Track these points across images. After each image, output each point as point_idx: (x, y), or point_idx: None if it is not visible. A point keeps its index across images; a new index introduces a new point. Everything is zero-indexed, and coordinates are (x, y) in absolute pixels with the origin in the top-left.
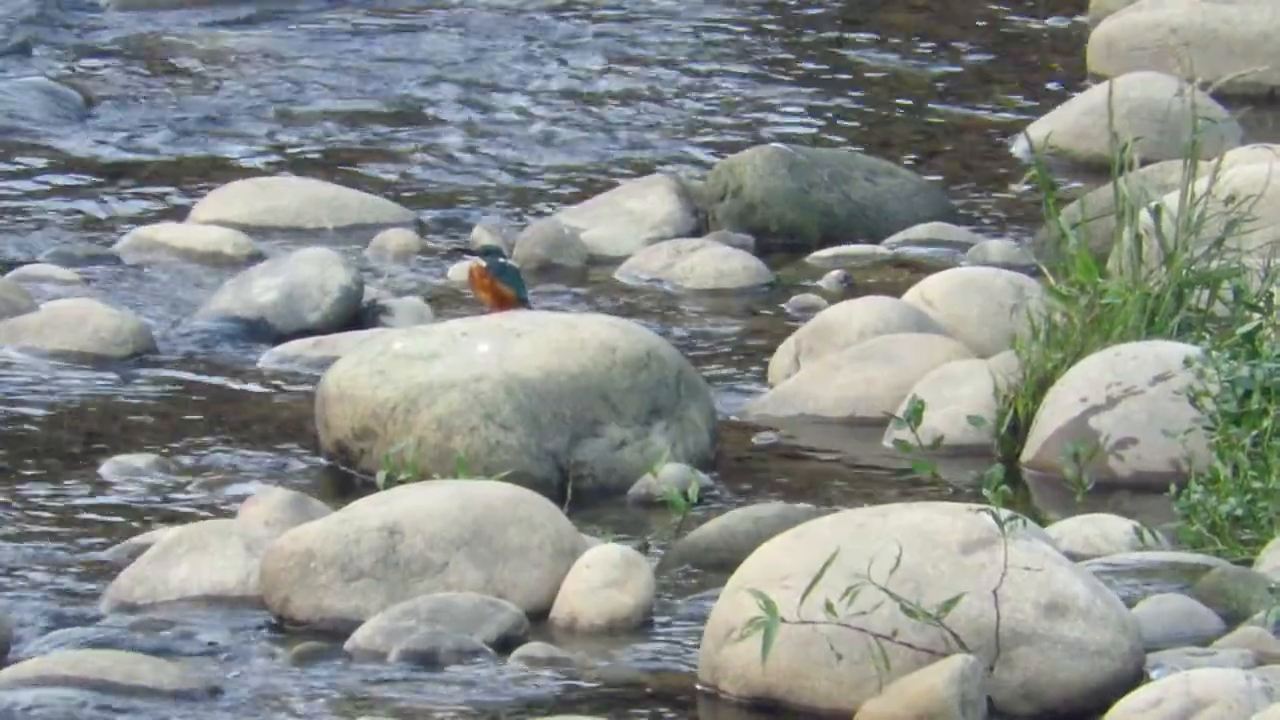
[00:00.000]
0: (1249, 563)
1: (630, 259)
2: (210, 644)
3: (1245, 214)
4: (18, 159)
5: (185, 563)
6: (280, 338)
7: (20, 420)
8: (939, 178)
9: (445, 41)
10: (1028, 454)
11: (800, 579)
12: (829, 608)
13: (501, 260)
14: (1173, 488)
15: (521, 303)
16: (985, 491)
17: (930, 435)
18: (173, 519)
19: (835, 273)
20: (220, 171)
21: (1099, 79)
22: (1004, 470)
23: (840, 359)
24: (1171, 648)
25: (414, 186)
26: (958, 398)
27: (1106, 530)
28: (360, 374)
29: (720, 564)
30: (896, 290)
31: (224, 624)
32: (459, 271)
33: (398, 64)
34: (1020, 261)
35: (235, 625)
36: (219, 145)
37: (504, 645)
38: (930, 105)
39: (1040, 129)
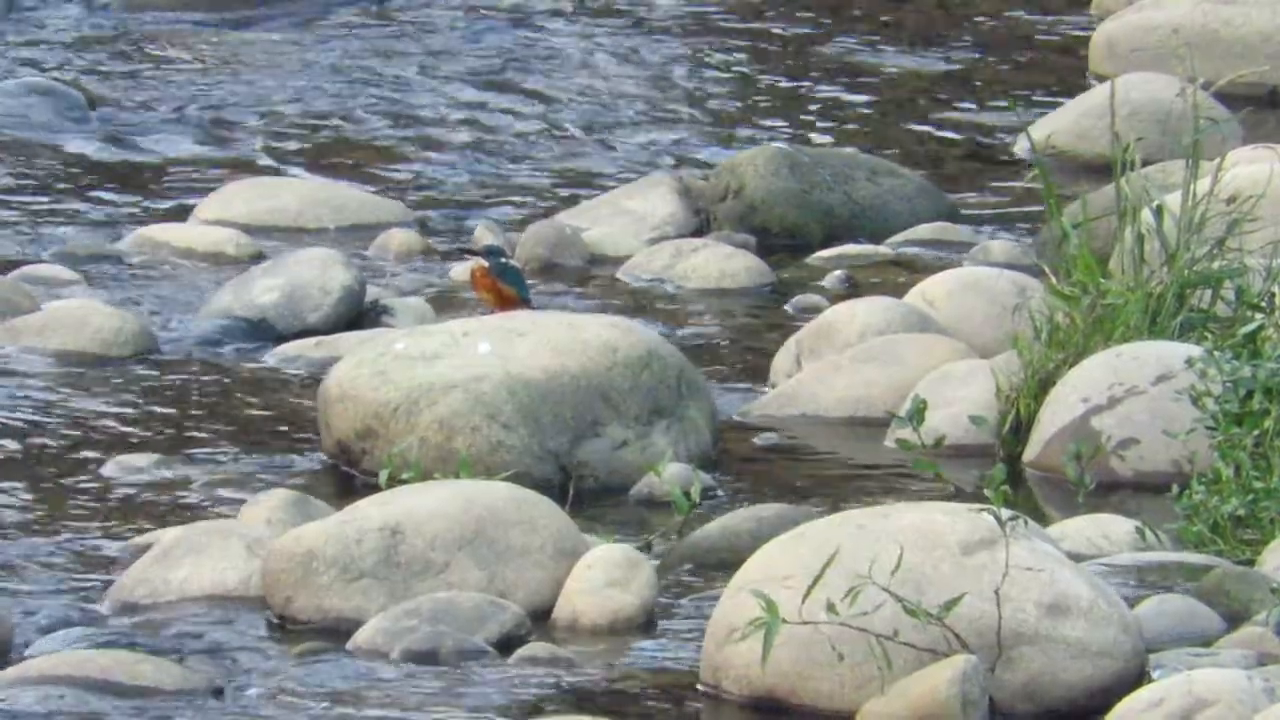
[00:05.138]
0: (1251, 563)
1: (632, 259)
2: (212, 644)
3: (1247, 214)
4: (20, 159)
5: (187, 563)
6: (282, 338)
7: (22, 420)
8: (941, 178)
9: (446, 41)
10: (1029, 454)
11: (801, 579)
12: (830, 608)
13: (503, 260)
14: (1175, 488)
15: (523, 303)
16: (987, 491)
17: (932, 435)
18: (174, 519)
19: (837, 273)
20: (222, 171)
21: (1100, 79)
22: (1006, 470)
23: (842, 359)
24: (1173, 648)
25: (416, 186)
26: (959, 398)
27: (1108, 530)
28: (362, 374)
29: (722, 564)
30: (898, 290)
31: (226, 624)
32: (461, 271)
33: (399, 64)
34: (1022, 262)
35: (237, 625)
36: (221, 145)
37: (506, 645)
38: (931, 105)
39: (1042, 129)
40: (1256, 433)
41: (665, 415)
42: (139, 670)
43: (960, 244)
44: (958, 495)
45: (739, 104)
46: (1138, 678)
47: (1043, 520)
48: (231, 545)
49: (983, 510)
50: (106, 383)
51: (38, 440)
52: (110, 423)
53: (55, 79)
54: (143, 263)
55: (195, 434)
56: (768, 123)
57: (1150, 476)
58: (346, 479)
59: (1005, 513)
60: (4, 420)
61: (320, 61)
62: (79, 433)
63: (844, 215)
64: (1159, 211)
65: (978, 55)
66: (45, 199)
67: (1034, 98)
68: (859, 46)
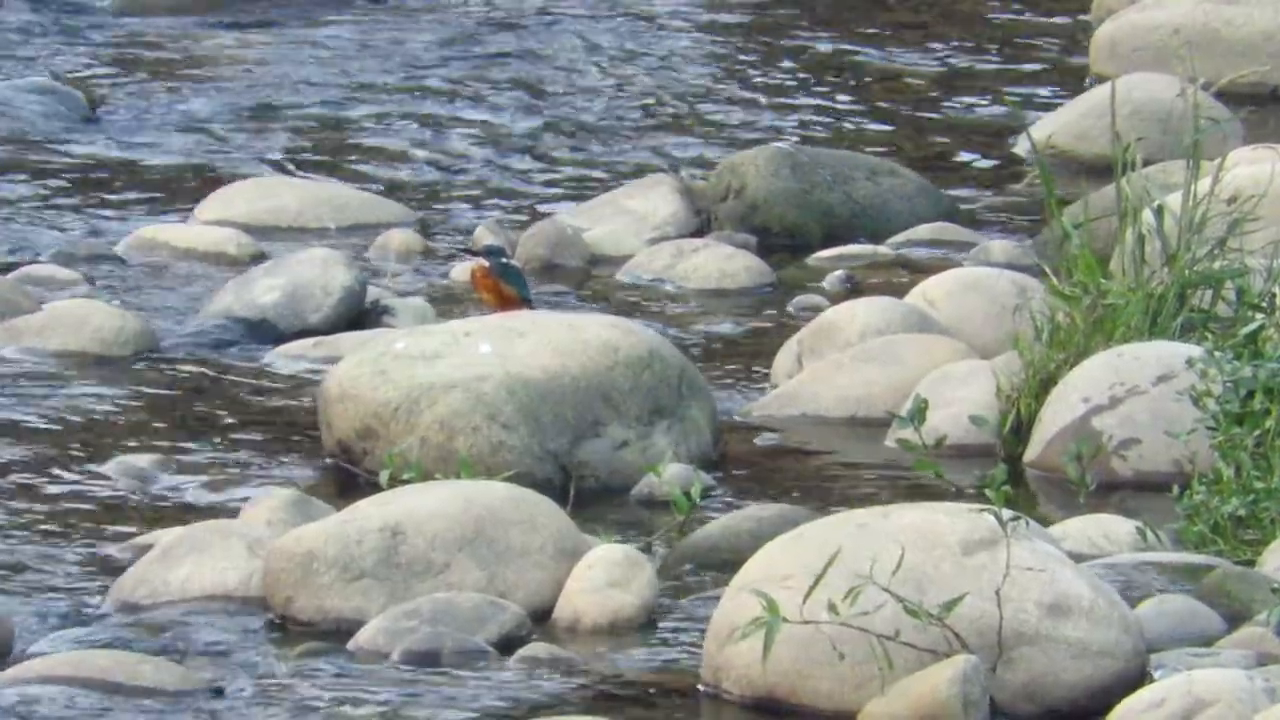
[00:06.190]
0: (1251, 563)
1: (632, 259)
2: (212, 644)
3: (1248, 214)
4: (21, 159)
5: (187, 563)
6: (282, 338)
7: (22, 420)
8: (941, 178)
9: (446, 42)
10: (1030, 454)
11: (802, 579)
12: (831, 608)
13: (504, 260)
14: (1175, 488)
15: (524, 303)
16: (988, 491)
17: (933, 435)
18: (175, 519)
19: (837, 273)
20: (222, 171)
21: (1101, 79)
22: (1007, 470)
23: (842, 359)
24: (1174, 648)
25: (416, 186)
26: (960, 398)
27: (1109, 530)
28: (362, 374)
29: (723, 564)
30: (899, 290)
31: (226, 624)
32: (461, 271)
33: (399, 64)
34: (1023, 262)
35: (237, 625)
36: (221, 145)
37: (506, 645)
38: (931, 105)
39: (1042, 129)
40: (1257, 433)
41: (666, 415)
42: (139, 670)
43: (960, 244)
44: (958, 495)
45: (739, 104)
46: (1138, 678)
47: (1044, 520)
48: (232, 545)
49: (984, 510)
50: (106, 383)
51: (38, 440)
52: (110, 423)
53: (55, 79)
54: (143, 263)
55: (196, 434)
56: (768, 123)
57: (1151, 476)
58: (347, 479)
59: (1006, 513)
60: (4, 420)
61: (320, 62)
62: (79, 433)
63: (844, 215)
64: (1160, 212)
65: (978, 55)
66: (45, 199)
67: (1034, 98)
68: (859, 46)
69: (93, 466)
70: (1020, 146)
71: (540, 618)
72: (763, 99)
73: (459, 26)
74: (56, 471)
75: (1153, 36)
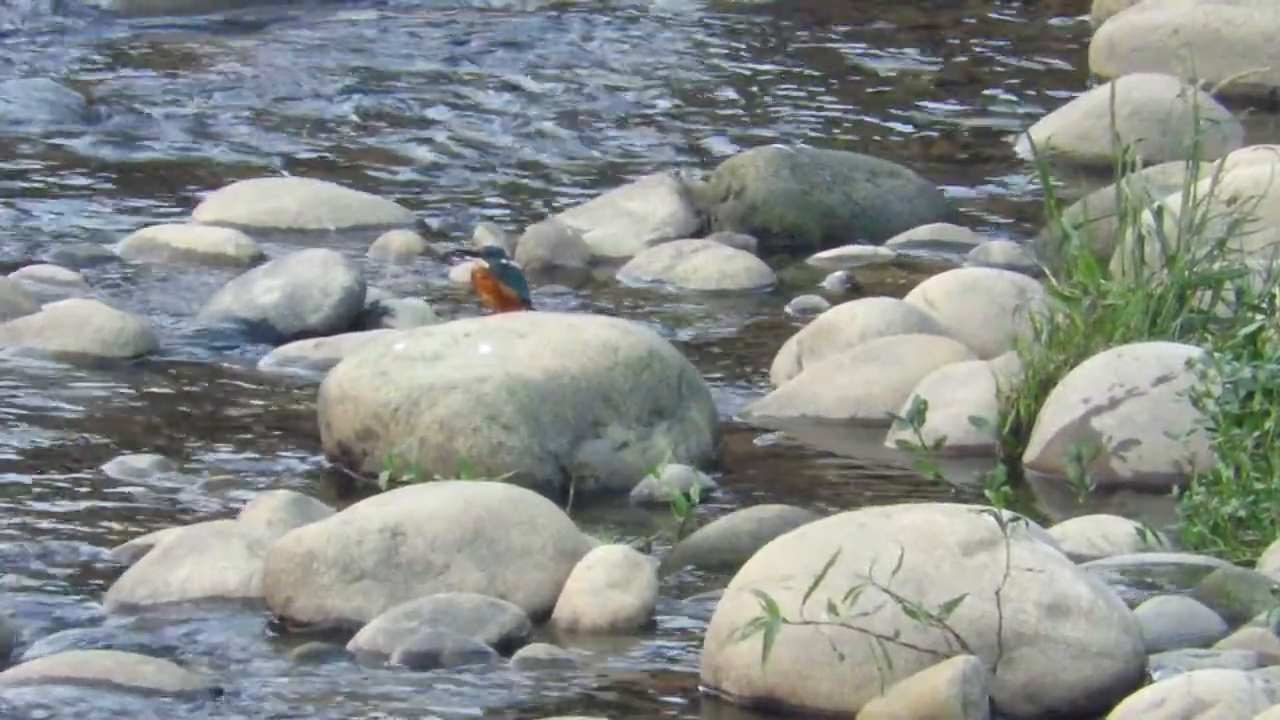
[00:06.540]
0: (1251, 564)
1: (632, 260)
2: (212, 645)
3: (1247, 215)
4: (20, 159)
5: (187, 563)
6: (282, 339)
7: (22, 421)
8: (941, 178)
9: (446, 42)
10: (1030, 455)
11: (802, 579)
12: (831, 608)
13: (504, 261)
14: (1175, 489)
15: (524, 304)
16: (987, 492)
17: (932, 436)
18: (175, 520)
19: (837, 274)
20: (222, 172)
21: (1101, 80)
22: (1006, 471)
23: (842, 360)
24: (1174, 649)
25: (416, 187)
26: (960, 399)
27: (1109, 531)
28: (362, 375)
29: (722, 565)
30: (898, 291)
31: (226, 625)
32: (461, 273)
33: (399, 65)
34: (1022, 263)
35: (237, 626)
36: (221, 146)
37: (506, 646)
38: (931, 105)
39: (1042, 130)
40: (1257, 434)
41: (666, 416)
42: (139, 670)
43: (960, 244)
44: (958, 496)
45: (739, 104)
46: (1138, 678)
47: (1043, 521)
48: (232, 546)
49: (983, 511)
50: (106, 383)
51: (38, 441)
52: (110, 423)
53: (57, 79)
54: (143, 263)
55: (196, 434)
56: (768, 123)
57: (1151, 477)
58: (347, 480)
59: (1006, 513)
60: (4, 420)
61: (320, 63)
62: (79, 433)
63: (844, 216)
64: (1159, 212)
65: (978, 55)
66: (45, 199)
67: (1034, 98)
68: (859, 46)
69: (93, 467)
70: (1020, 146)
71: (540, 618)
72: (763, 99)
73: (459, 26)
74: (56, 472)
75: (1152, 37)
